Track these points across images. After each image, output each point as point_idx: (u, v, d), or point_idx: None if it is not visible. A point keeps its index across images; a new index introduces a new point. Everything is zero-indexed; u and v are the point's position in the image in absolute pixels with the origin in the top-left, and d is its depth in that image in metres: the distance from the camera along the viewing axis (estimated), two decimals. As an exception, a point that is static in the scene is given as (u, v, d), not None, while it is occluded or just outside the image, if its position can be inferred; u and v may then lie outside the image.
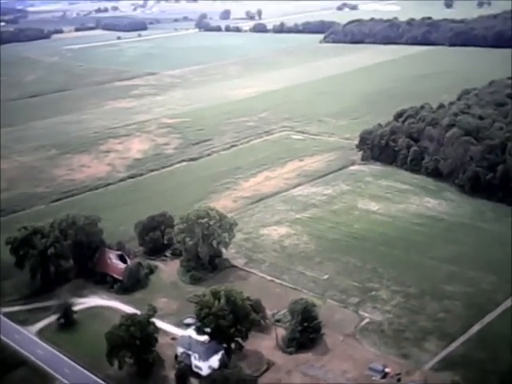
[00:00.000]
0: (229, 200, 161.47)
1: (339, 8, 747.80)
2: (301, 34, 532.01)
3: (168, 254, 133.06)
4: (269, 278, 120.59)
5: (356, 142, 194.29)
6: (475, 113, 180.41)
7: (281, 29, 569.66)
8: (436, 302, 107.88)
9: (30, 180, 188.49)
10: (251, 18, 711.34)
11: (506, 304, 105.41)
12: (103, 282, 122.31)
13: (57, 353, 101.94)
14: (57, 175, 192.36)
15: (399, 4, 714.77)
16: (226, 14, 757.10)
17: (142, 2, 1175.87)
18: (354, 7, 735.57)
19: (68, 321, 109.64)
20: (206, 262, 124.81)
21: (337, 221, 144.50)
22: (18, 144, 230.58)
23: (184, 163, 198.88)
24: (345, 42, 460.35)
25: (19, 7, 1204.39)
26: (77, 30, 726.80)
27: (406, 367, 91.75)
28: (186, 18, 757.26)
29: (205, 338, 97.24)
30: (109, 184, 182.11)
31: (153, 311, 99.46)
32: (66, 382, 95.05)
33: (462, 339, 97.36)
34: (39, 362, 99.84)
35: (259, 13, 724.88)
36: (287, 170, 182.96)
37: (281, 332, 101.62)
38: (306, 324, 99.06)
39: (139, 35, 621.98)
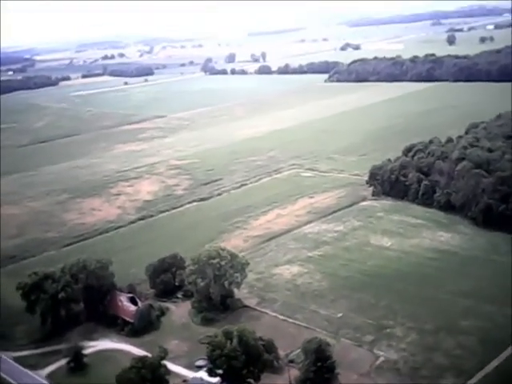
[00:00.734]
0: (240, 239, 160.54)
1: (342, 48, 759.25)
2: (305, 75, 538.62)
3: (179, 295, 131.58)
4: (281, 317, 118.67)
5: (366, 177, 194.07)
6: (484, 146, 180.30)
7: (285, 70, 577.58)
8: (452, 337, 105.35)
9: (41, 225, 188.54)
10: (256, 60, 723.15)
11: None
12: (114, 324, 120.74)
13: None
14: (67, 219, 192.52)
15: (402, 42, 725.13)
16: (231, 58, 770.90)
17: (148, 49, 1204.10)
18: (357, 47, 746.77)
19: (78, 364, 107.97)
20: (217, 303, 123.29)
21: (349, 258, 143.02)
22: (29, 189, 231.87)
23: (194, 203, 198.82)
24: (349, 81, 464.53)
25: (26, 56, 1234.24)
26: (84, 76, 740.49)
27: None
28: (192, 63, 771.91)
29: (216, 379, 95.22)
30: (120, 227, 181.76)
31: (164, 353, 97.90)
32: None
33: (479, 376, 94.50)
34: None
35: (263, 55, 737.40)
36: (298, 208, 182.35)
37: (294, 373, 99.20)
38: (319, 363, 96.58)
39: (146, 80, 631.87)
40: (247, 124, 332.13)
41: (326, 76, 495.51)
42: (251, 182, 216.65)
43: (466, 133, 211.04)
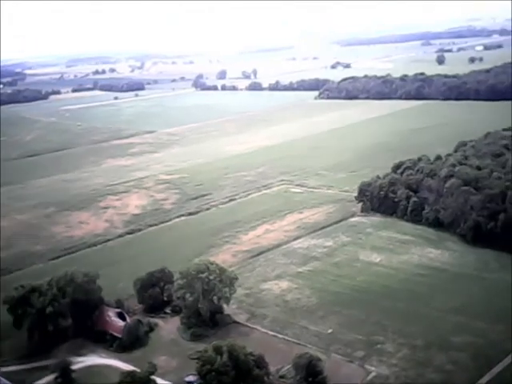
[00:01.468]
0: (228, 254, 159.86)
1: (333, 66, 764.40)
2: (296, 92, 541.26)
3: (168, 310, 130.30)
4: (271, 333, 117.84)
5: (355, 194, 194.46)
6: (473, 163, 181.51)
7: (276, 86, 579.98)
8: (443, 353, 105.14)
9: (29, 238, 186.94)
10: (247, 77, 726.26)
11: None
12: (102, 340, 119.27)
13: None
14: (55, 232, 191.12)
15: (392, 62, 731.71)
16: (222, 74, 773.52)
17: (139, 64, 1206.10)
18: (347, 65, 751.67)
19: (66, 380, 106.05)
20: (206, 319, 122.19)
21: (339, 273, 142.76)
22: (17, 202, 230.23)
23: (183, 218, 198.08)
24: (339, 98, 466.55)
25: (17, 70, 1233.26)
26: (74, 90, 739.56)
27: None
28: (183, 79, 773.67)
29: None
30: (107, 240, 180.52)
31: (153, 369, 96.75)
32: None
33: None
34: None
35: (255, 72, 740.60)
36: (287, 223, 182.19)
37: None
38: (310, 379, 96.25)
39: (136, 95, 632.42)
40: (237, 140, 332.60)
41: (316, 93, 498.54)
42: (240, 197, 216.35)
43: (455, 151, 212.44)
